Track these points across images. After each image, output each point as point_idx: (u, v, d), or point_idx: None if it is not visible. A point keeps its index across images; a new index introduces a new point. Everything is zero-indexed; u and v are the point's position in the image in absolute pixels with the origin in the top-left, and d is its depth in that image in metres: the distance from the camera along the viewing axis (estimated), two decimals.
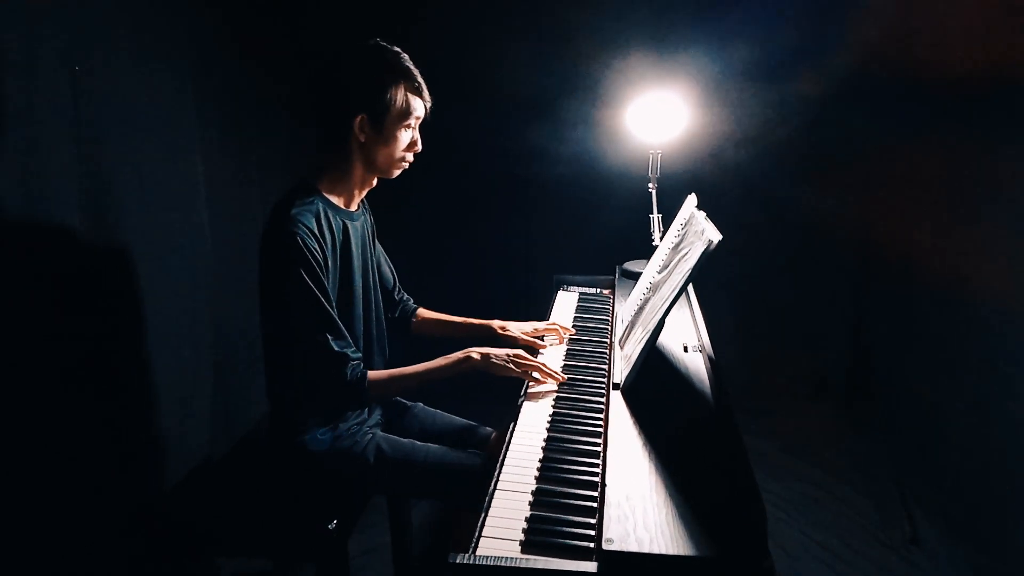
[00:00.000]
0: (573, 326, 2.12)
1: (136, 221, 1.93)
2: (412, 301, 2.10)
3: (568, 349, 1.95)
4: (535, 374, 1.71)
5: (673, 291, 1.48)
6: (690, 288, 2.05)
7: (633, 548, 1.04)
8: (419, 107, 1.68)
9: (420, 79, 1.67)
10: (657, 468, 1.25)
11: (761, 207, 3.26)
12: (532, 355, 1.80)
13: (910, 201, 2.93)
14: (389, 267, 2.03)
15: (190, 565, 1.99)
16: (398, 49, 1.66)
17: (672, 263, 1.64)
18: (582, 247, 3.29)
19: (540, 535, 1.18)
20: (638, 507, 1.13)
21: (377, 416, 1.89)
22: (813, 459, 3.00)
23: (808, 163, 3.21)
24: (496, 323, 2.04)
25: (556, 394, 1.67)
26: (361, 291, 1.76)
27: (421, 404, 1.99)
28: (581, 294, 2.41)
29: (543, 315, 2.18)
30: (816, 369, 3.47)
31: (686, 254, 1.54)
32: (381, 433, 1.78)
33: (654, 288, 1.72)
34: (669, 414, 1.48)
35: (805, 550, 2.44)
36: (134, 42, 1.92)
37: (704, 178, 3.14)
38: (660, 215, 2.43)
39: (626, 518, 1.11)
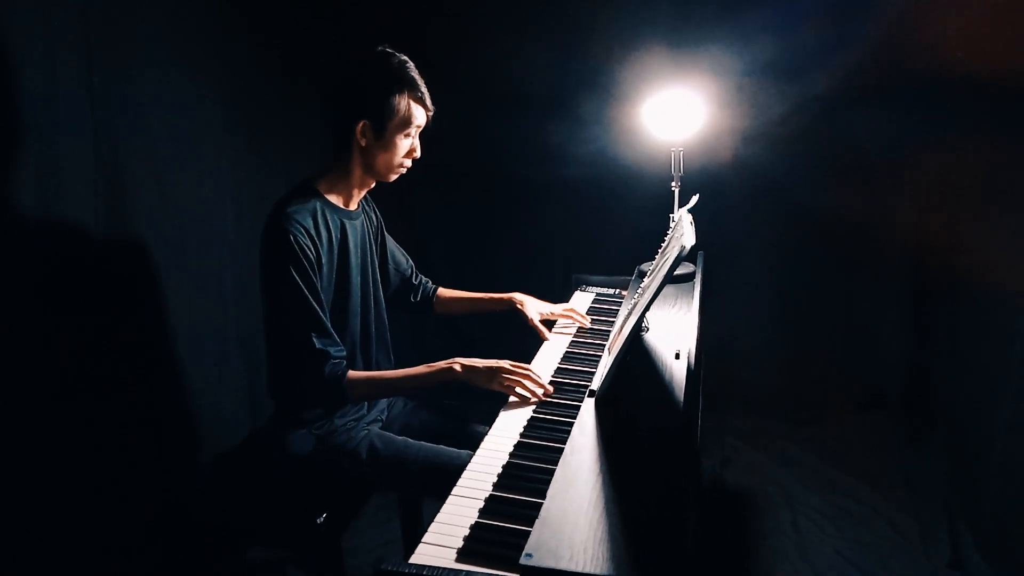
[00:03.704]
0: (580, 328, 2.08)
1: (161, 222, 2.04)
2: (431, 282, 2.13)
3: (567, 352, 1.92)
4: (518, 389, 1.65)
5: (648, 298, 1.43)
6: (696, 292, 1.97)
7: (550, 564, 1.01)
8: (420, 116, 1.70)
9: (424, 88, 1.69)
10: (603, 483, 1.20)
11: (807, 210, 3.07)
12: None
13: (972, 208, 2.69)
14: (404, 255, 2.07)
15: (199, 553, 2.09)
16: (405, 57, 1.68)
17: (657, 267, 1.59)
18: (606, 247, 3.21)
19: (478, 543, 1.17)
20: (570, 522, 1.10)
21: (376, 413, 1.91)
22: (859, 473, 2.81)
23: (854, 163, 3.01)
24: (516, 296, 2.09)
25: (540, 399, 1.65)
26: (359, 288, 1.79)
27: (423, 401, 2.01)
28: (597, 295, 2.37)
29: None
30: (870, 380, 3.26)
31: (667, 259, 1.48)
32: (376, 430, 1.81)
33: (643, 292, 1.66)
34: (633, 426, 1.42)
35: (835, 569, 2.30)
36: (156, 47, 2.02)
37: (741, 178, 3.01)
38: None
39: (555, 533, 1.08)
